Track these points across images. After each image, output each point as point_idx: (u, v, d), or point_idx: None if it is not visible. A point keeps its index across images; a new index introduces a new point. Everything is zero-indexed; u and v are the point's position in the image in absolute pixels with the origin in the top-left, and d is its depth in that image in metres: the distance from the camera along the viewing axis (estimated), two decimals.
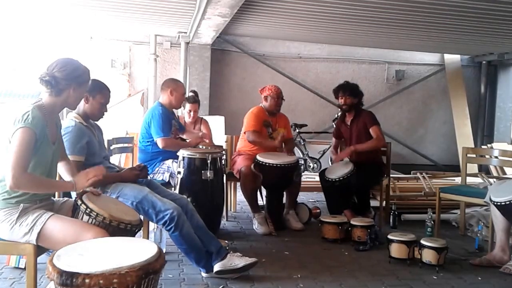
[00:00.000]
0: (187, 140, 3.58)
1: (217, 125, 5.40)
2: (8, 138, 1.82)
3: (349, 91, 3.78)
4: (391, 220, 3.77)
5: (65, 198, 2.17)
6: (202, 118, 4.15)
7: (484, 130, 7.30)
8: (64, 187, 2.02)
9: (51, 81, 1.89)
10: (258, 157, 3.55)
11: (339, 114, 6.03)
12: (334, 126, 6.13)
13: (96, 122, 2.58)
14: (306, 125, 6.33)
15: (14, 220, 1.84)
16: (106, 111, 2.51)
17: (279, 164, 3.51)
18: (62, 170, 2.14)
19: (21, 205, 1.86)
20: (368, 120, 3.73)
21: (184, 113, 4.02)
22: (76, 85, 1.95)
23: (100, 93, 2.45)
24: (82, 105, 2.42)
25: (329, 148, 5.95)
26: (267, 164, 3.51)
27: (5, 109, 4.94)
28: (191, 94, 4.14)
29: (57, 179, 2.18)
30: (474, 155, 4.02)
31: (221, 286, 2.47)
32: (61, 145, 2.11)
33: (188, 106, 3.94)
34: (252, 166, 3.50)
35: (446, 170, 6.20)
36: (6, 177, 1.77)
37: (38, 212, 1.88)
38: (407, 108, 7.30)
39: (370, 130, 3.68)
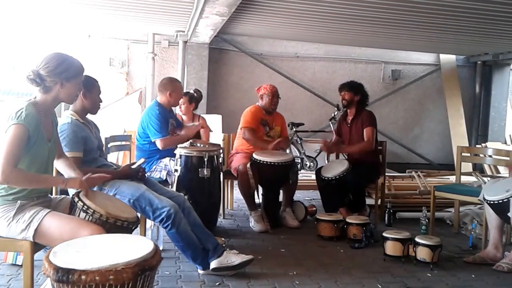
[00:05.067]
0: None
1: (214, 124, 5.42)
2: (3, 135, 1.83)
3: (348, 87, 3.84)
4: (386, 218, 3.79)
5: (62, 196, 2.18)
6: (199, 115, 4.17)
7: (479, 130, 7.35)
8: (54, 183, 2.03)
9: (36, 79, 1.88)
10: (255, 155, 3.57)
11: (336, 113, 6.10)
12: (331, 125, 6.22)
13: (92, 119, 2.61)
14: (303, 124, 6.35)
15: (11, 217, 1.85)
16: (101, 101, 2.58)
17: (275, 162, 3.52)
18: (62, 166, 2.14)
19: (18, 202, 1.87)
20: (365, 119, 3.77)
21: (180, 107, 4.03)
22: (63, 80, 1.92)
23: (94, 87, 2.51)
24: (80, 102, 2.45)
25: None
26: (263, 162, 3.53)
27: (4, 108, 4.94)
28: (191, 92, 4.15)
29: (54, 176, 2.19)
30: (468, 154, 4.06)
31: (218, 283, 2.48)
32: (57, 142, 2.11)
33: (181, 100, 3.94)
34: (248, 164, 3.53)
35: (441, 169, 6.24)
36: None
37: (35, 209, 1.88)
38: (402, 107, 7.34)
39: (364, 130, 3.72)
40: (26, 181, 1.86)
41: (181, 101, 3.93)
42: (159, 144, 3.26)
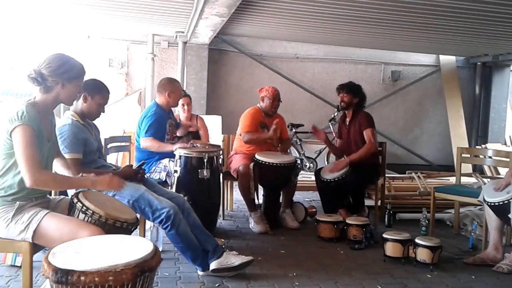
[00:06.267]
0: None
1: (214, 125, 5.42)
2: (5, 136, 1.82)
3: (346, 89, 3.81)
4: (386, 219, 3.79)
5: (61, 196, 2.17)
6: (197, 115, 4.16)
7: (479, 131, 7.35)
8: (83, 184, 1.95)
9: (37, 78, 1.87)
10: (257, 156, 3.57)
11: (335, 114, 6.10)
12: (331, 126, 6.21)
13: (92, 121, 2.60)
14: (302, 125, 6.34)
15: (9, 218, 1.85)
16: (104, 112, 2.51)
17: (278, 164, 3.52)
18: (58, 166, 2.14)
19: (17, 202, 1.87)
20: (363, 121, 3.75)
21: (179, 110, 4.03)
22: (64, 81, 1.91)
23: (99, 94, 2.46)
24: (80, 104, 2.44)
25: (325, 147, 5.98)
26: (266, 163, 3.52)
27: (3, 108, 4.94)
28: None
29: None
30: (468, 155, 4.06)
31: (217, 284, 2.48)
32: (55, 142, 2.11)
33: (180, 100, 3.93)
34: (251, 165, 3.52)
35: (441, 170, 6.24)
36: (24, 177, 1.78)
37: (34, 210, 1.88)
38: (402, 108, 7.34)
39: (364, 132, 3.70)
40: (54, 182, 1.88)
41: (181, 102, 3.92)
42: (142, 142, 3.21)
